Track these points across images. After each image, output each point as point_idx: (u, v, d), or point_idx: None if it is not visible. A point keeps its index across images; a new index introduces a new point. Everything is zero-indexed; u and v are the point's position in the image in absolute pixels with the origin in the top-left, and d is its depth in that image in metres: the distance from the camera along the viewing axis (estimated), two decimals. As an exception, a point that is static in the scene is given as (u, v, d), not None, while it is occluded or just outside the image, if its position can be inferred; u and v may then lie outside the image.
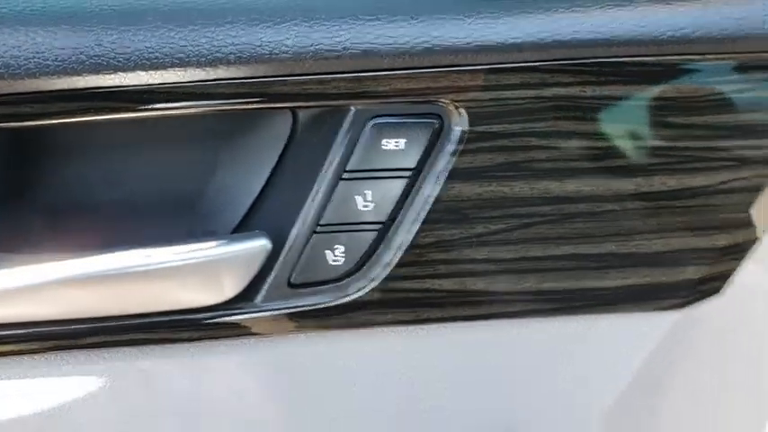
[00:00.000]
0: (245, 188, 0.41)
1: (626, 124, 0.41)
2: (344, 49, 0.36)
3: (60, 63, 0.33)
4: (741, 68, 0.41)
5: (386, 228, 0.40)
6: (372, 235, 0.40)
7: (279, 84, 0.36)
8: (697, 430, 0.51)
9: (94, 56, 0.34)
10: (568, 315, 0.44)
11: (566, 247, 0.42)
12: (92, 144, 0.41)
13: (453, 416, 0.45)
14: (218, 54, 0.35)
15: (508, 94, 0.39)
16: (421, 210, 0.40)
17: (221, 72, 0.35)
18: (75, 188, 0.41)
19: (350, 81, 0.37)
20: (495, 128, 0.39)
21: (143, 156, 0.42)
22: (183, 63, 0.35)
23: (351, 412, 0.44)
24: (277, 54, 0.35)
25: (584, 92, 0.39)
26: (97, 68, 0.34)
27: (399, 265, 0.41)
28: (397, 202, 0.39)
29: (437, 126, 0.38)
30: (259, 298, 0.40)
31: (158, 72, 0.35)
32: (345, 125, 0.38)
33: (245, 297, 0.39)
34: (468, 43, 0.37)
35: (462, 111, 0.38)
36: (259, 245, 0.38)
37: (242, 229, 0.41)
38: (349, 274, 0.40)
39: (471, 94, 0.38)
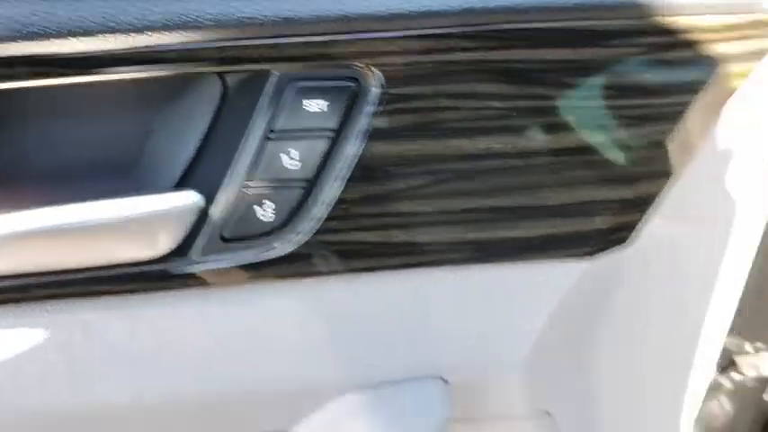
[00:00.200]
0: (181, 152, 0.44)
1: (531, 86, 0.45)
2: (264, 16, 0.39)
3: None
4: (638, 32, 0.45)
5: (312, 184, 0.43)
6: (299, 192, 0.43)
7: (203, 49, 0.39)
8: (610, 372, 0.56)
9: (29, 24, 0.36)
10: (486, 264, 0.47)
11: (480, 201, 0.46)
12: (29, 110, 0.43)
13: (383, 362, 0.49)
14: (146, 22, 0.38)
15: (420, 58, 0.42)
16: (344, 167, 0.43)
17: (149, 39, 0.38)
18: (11, 153, 0.43)
19: (270, 47, 0.40)
20: (409, 90, 0.43)
21: (79, 122, 0.44)
22: (114, 30, 0.37)
23: (285, 360, 0.48)
24: (201, 21, 0.38)
25: (490, 56, 0.43)
26: (32, 36, 0.36)
27: (327, 219, 0.44)
28: (322, 161, 0.43)
29: (355, 89, 0.42)
30: (194, 252, 0.43)
31: (92, 39, 0.37)
32: (269, 89, 0.41)
33: (181, 252, 0.42)
34: (381, 11, 0.41)
35: (378, 74, 0.42)
36: (192, 201, 0.41)
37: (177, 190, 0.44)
38: (279, 228, 0.43)
39: (385, 59, 0.42)
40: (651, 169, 0.48)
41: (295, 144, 0.42)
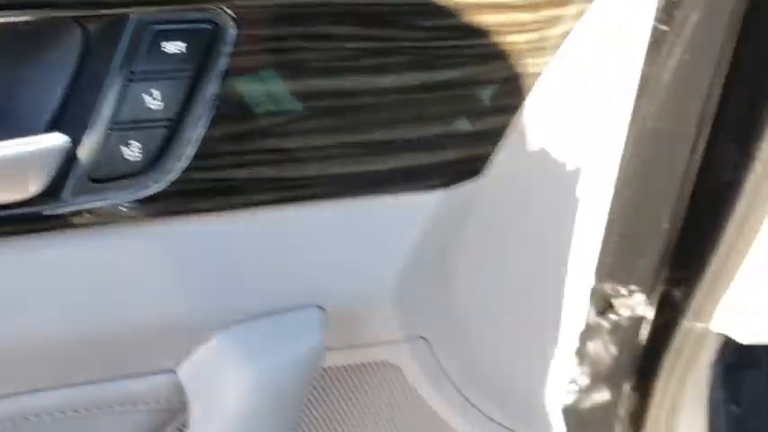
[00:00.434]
0: (47, 98, 0.45)
1: (380, 28, 0.48)
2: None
3: None
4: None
5: (176, 123, 0.45)
6: (164, 131, 0.45)
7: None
8: (476, 299, 0.60)
9: None
10: (351, 197, 0.51)
11: (340, 137, 0.49)
12: None
13: (260, 295, 0.52)
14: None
15: (273, 1, 0.45)
16: (206, 106, 0.46)
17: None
18: None
19: None
20: (264, 32, 0.46)
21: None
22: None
23: (163, 299, 0.50)
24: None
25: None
26: None
27: (195, 158, 0.46)
28: (183, 100, 0.45)
29: (212, 30, 0.44)
30: (65, 194, 0.45)
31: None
32: (128, 32, 0.43)
33: (51, 193, 0.44)
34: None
35: (234, 16, 0.44)
36: (58, 143, 0.43)
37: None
38: (147, 168, 0.46)
39: (240, 2, 0.44)
40: (500, 103, 0.53)
41: (156, 85, 0.44)
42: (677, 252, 0.84)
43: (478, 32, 0.51)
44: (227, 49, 0.45)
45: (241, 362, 0.51)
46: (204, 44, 0.44)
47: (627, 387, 0.97)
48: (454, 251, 0.57)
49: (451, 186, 0.53)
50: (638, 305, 0.87)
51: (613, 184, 0.68)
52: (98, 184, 0.45)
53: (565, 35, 0.53)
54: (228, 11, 0.44)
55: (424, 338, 0.58)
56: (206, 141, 0.46)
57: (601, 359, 0.95)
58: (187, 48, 0.44)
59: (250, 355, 0.51)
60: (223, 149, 0.47)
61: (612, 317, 0.87)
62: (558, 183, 0.59)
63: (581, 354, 0.93)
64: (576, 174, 0.61)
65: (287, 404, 0.52)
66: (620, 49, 0.57)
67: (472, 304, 0.60)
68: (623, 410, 0.98)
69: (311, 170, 0.49)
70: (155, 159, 0.45)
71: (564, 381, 0.94)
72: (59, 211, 0.45)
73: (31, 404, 0.50)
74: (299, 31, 0.46)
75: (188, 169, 0.46)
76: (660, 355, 0.90)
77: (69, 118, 0.45)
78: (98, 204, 0.45)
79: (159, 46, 0.44)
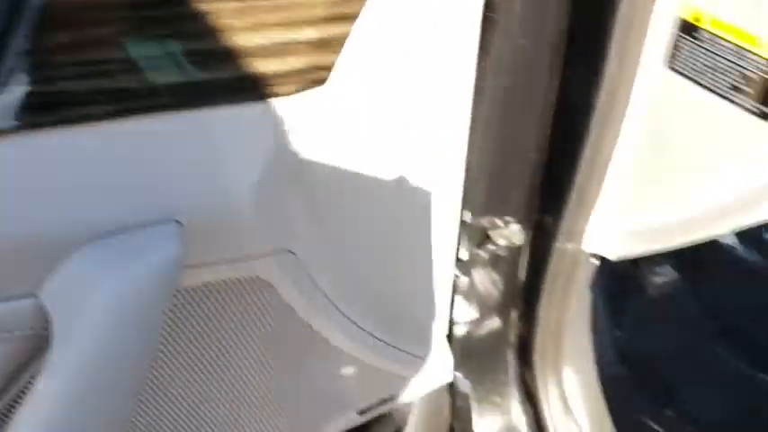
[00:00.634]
0: None
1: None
2: None
3: None
4: None
5: (3, 36, 0.45)
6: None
7: None
8: (334, 210, 0.62)
9: None
10: (202, 107, 0.51)
11: (177, 45, 0.49)
12: None
13: (116, 210, 0.52)
14: None
15: None
16: (30, 17, 0.45)
17: None
18: None
19: None
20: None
21: None
22: None
23: (5, 216, 0.49)
24: None
25: None
26: None
27: (29, 70, 0.46)
28: (6, 13, 0.45)
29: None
30: None
31: None
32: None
33: None
34: None
35: None
36: None
37: None
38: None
39: None
40: (339, 10, 0.54)
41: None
42: (546, 179, 0.88)
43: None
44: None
45: (98, 278, 0.50)
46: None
47: (514, 315, 1.02)
48: (310, 162, 0.58)
49: (298, 95, 0.54)
50: (513, 234, 0.91)
51: (471, 104, 0.71)
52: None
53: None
54: None
55: (292, 252, 0.59)
56: (31, 53, 0.46)
57: (487, 290, 1.00)
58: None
59: (107, 270, 0.51)
60: (57, 61, 0.47)
61: (491, 247, 0.92)
62: (409, 98, 0.61)
63: (466, 287, 0.98)
64: (427, 84, 0.62)
65: (147, 319, 0.52)
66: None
67: (335, 216, 0.61)
68: (513, 337, 1.03)
69: (149, 80, 0.49)
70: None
71: (455, 315, 0.99)
72: None
73: None
74: None
75: (24, 82, 0.46)
76: (540, 280, 0.95)
77: None
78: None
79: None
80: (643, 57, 0.70)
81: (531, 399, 1.03)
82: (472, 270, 0.95)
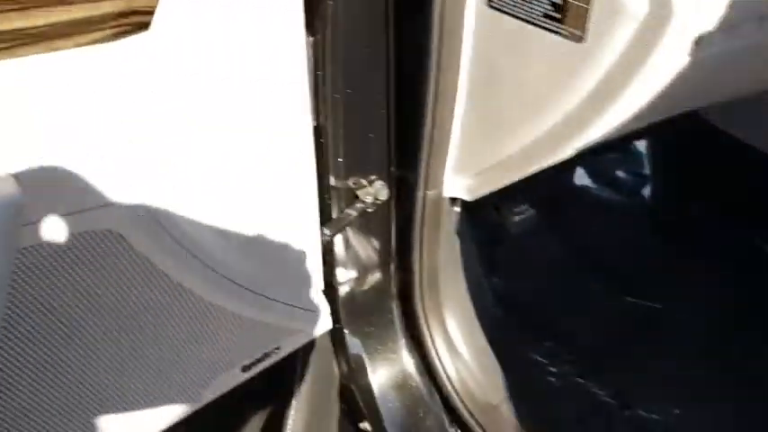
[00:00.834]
0: None
1: None
2: None
3: None
4: None
5: None
6: None
7: None
8: (179, 156, 0.61)
9: None
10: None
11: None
12: None
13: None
14: None
15: None
16: None
17: None
18: None
19: None
20: None
21: None
22: None
23: None
24: None
25: None
26: None
27: None
28: None
29: None
30: None
31: None
32: None
33: None
34: None
35: None
36: None
37: None
38: None
39: None
40: None
41: None
42: (398, 133, 0.94)
43: None
44: None
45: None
46: None
47: (393, 267, 1.07)
48: (149, 109, 0.57)
49: (120, 40, 0.52)
50: (379, 191, 0.96)
51: (307, 60, 0.73)
52: None
53: None
54: None
55: (145, 205, 0.59)
56: None
57: (363, 247, 1.04)
58: None
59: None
60: None
61: (360, 206, 0.96)
62: (242, 48, 0.62)
63: (343, 246, 1.02)
64: (259, 37, 0.63)
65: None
66: None
67: (178, 169, 0.61)
68: (394, 289, 1.09)
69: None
70: None
71: (335, 276, 1.03)
72: None
73: None
74: None
75: None
76: (410, 231, 1.01)
77: None
78: None
79: None
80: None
81: (418, 345, 1.09)
82: (346, 229, 0.99)
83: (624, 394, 1.23)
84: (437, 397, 1.08)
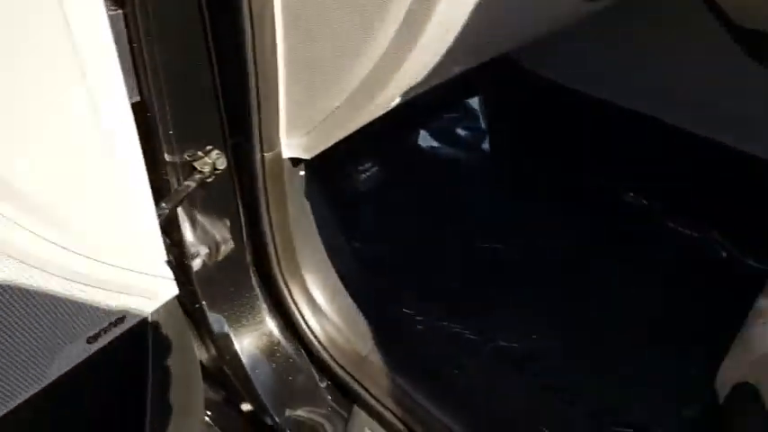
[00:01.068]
0: None
1: None
2: None
3: None
4: None
5: None
6: None
7: None
8: None
9: None
10: None
11: None
12: None
13: None
14: None
15: None
16: None
17: None
18: None
19: None
20: None
21: None
22: None
23: None
24: None
25: None
26: None
27: None
28: None
29: None
30: None
31: None
32: None
33: None
34: None
35: None
36: None
37: None
38: None
39: None
40: None
41: None
42: (227, 98, 0.95)
43: None
44: None
45: None
46: None
47: (245, 235, 1.08)
48: None
49: None
50: (216, 160, 0.97)
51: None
52: None
53: None
54: None
55: None
56: None
57: (211, 220, 1.05)
58: None
59: None
60: None
61: (198, 176, 0.96)
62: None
63: (190, 221, 1.02)
64: None
65: None
66: None
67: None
68: (250, 258, 1.10)
69: None
70: None
71: (187, 252, 1.02)
72: None
73: None
74: None
75: None
76: (256, 197, 1.02)
77: None
78: None
79: None
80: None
81: (282, 312, 1.11)
82: (194, 206, 0.99)
83: (486, 330, 1.31)
84: (306, 357, 1.10)
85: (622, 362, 1.24)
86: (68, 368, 0.72)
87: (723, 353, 1.11)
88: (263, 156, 0.97)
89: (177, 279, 0.90)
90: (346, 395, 1.12)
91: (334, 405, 1.11)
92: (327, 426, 1.14)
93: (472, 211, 1.52)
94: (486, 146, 1.62)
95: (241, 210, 1.04)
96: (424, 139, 1.57)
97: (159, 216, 0.87)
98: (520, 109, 1.59)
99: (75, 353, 0.72)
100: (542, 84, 1.49)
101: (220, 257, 1.06)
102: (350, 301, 1.16)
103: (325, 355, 1.08)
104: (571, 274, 1.40)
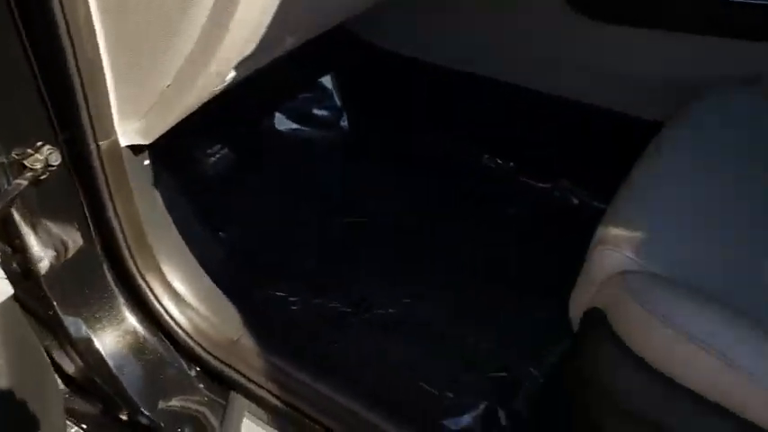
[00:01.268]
0: None
1: None
2: None
3: None
4: None
5: None
6: None
7: None
8: None
9: None
10: None
11: None
12: None
13: None
14: None
15: None
16: None
17: None
18: None
19: None
20: None
21: None
22: None
23: None
24: None
25: None
26: None
27: None
28: None
29: None
30: None
31: None
32: None
33: None
34: None
35: None
36: None
37: None
38: None
39: None
40: None
41: None
42: (52, 92, 0.90)
43: None
44: None
45: None
46: None
47: (94, 231, 1.03)
48: None
49: None
50: (49, 155, 0.92)
51: None
52: None
53: None
54: None
55: None
56: None
57: (52, 218, 0.99)
58: None
59: None
60: None
61: (30, 174, 0.91)
62: None
63: (29, 222, 0.97)
64: None
65: None
66: None
67: None
68: (102, 255, 1.05)
69: None
70: None
71: (31, 254, 0.97)
72: None
73: None
74: None
75: None
76: (97, 190, 0.98)
77: None
78: None
79: None
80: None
81: (143, 306, 1.07)
82: (28, 205, 0.94)
83: (361, 301, 1.33)
84: (173, 350, 1.08)
85: (492, 315, 1.30)
86: None
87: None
88: (98, 146, 0.94)
89: (26, 287, 0.86)
90: (222, 382, 1.10)
91: (209, 393, 1.09)
92: (208, 414, 1.12)
93: (332, 187, 1.54)
94: (344, 123, 1.64)
95: (85, 206, 1.00)
96: (281, 122, 1.57)
97: (-12, 219, 0.82)
98: (369, 83, 1.62)
99: None
100: (382, 54, 1.52)
101: (71, 259, 1.01)
102: (214, 287, 1.14)
103: (193, 345, 1.06)
104: (431, 237, 1.44)
